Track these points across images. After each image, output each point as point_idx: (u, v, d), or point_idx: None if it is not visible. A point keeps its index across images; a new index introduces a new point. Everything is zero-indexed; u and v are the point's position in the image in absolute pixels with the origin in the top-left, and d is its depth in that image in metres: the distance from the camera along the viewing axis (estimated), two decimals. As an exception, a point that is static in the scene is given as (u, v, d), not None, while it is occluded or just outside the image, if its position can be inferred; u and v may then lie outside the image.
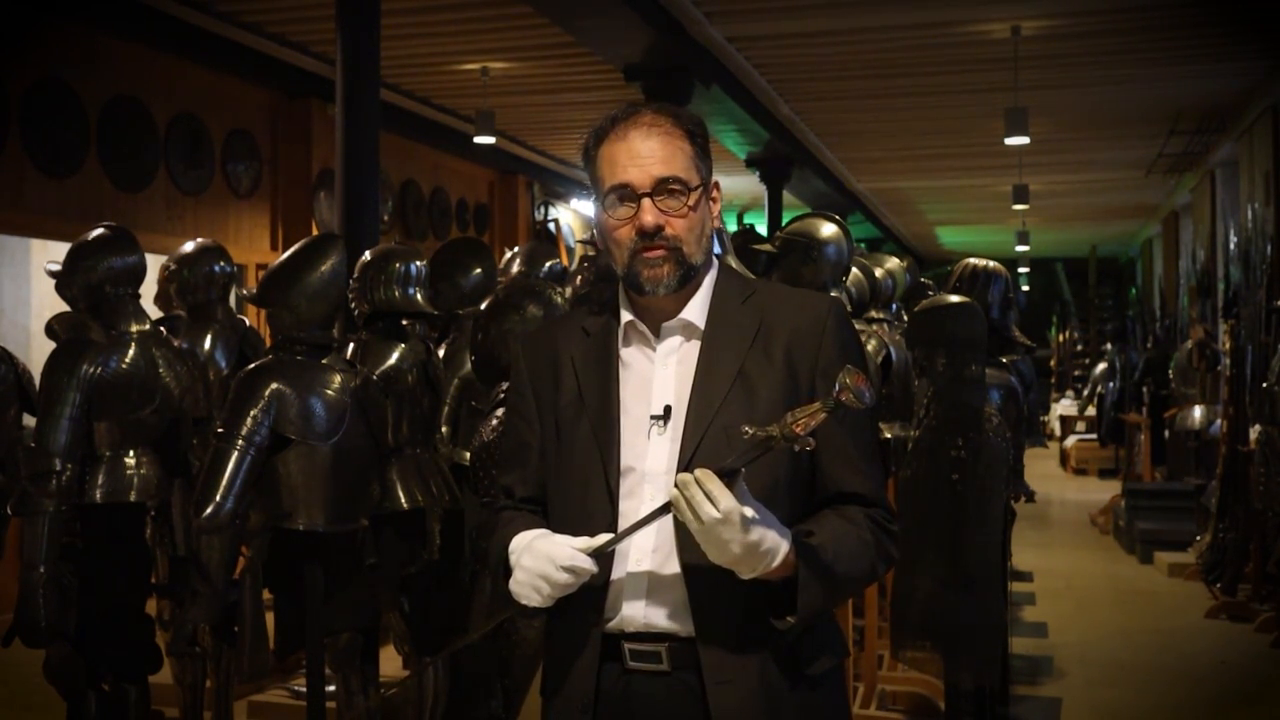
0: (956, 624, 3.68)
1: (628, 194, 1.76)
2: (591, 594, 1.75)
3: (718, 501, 1.58)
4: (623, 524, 1.76)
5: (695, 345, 1.81)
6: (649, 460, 1.77)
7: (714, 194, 1.85)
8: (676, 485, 1.61)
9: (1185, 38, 8.21)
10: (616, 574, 1.76)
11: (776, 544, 1.64)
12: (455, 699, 3.93)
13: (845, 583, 1.74)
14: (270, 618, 3.59)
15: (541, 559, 1.71)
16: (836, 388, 1.56)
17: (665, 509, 1.66)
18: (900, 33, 8.03)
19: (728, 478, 1.59)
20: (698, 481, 1.58)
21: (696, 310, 1.82)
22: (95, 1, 6.88)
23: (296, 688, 4.68)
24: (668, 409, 1.78)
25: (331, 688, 3.63)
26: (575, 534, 1.80)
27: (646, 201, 1.75)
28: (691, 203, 1.78)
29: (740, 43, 8.32)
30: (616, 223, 1.78)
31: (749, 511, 1.61)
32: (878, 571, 1.80)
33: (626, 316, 1.84)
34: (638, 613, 1.74)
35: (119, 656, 3.67)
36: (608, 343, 1.85)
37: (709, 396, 1.77)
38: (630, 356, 1.84)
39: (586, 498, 1.80)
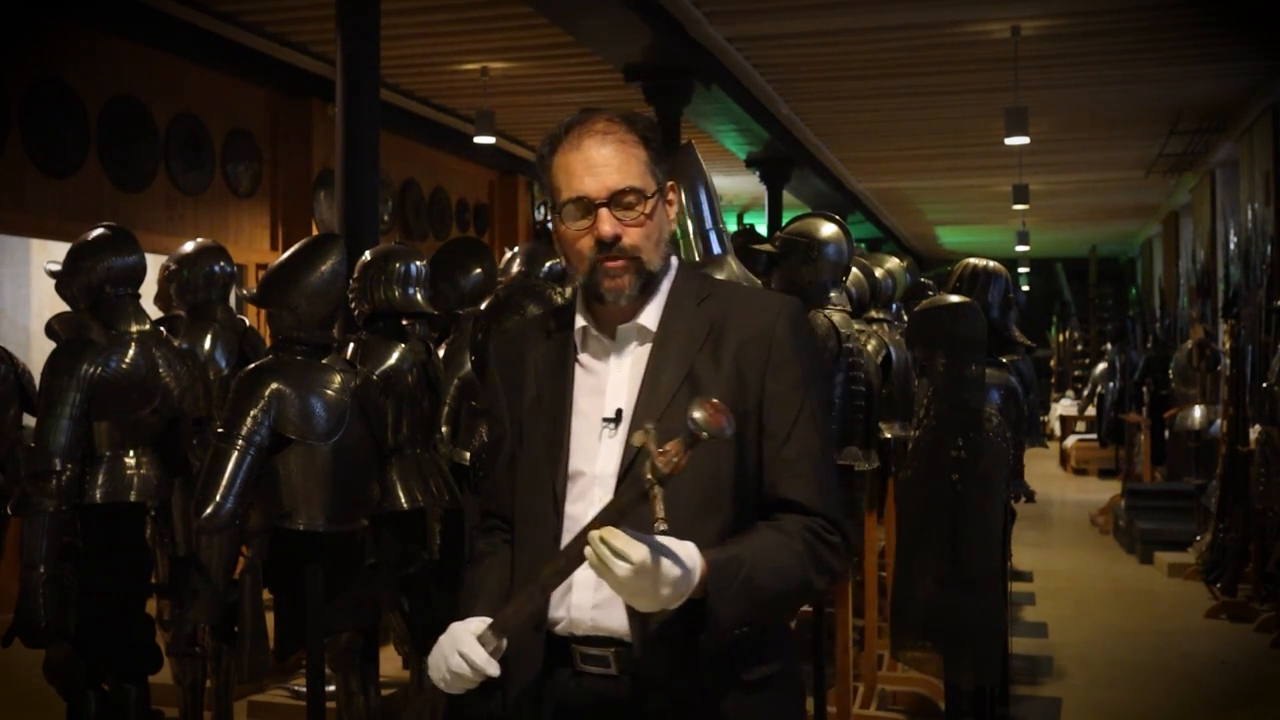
0: (956, 624, 3.68)
1: (585, 204, 1.76)
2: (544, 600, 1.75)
3: (629, 556, 1.55)
4: (568, 526, 1.76)
5: (649, 348, 1.81)
6: (599, 463, 1.77)
7: (670, 196, 1.83)
8: (589, 543, 1.59)
9: (1185, 38, 8.21)
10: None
11: (691, 570, 1.61)
12: (455, 699, 3.92)
13: (767, 596, 1.69)
14: (270, 618, 3.60)
15: (448, 643, 1.74)
16: (689, 422, 1.53)
17: (579, 561, 1.64)
18: (900, 33, 8.03)
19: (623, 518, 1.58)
20: (604, 540, 1.56)
21: (651, 314, 1.82)
22: (95, 1, 6.88)
23: (296, 688, 4.68)
24: (618, 412, 1.78)
25: (331, 688, 3.63)
26: (528, 538, 1.82)
27: (604, 212, 1.75)
28: (648, 210, 1.77)
29: (740, 43, 8.32)
30: (575, 234, 1.78)
31: (659, 552, 1.58)
32: (812, 583, 1.75)
33: (580, 322, 1.84)
34: (585, 615, 1.75)
35: (119, 656, 3.67)
36: (565, 346, 1.86)
37: (655, 399, 1.76)
38: (587, 360, 1.84)
39: (536, 504, 1.81)
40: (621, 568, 1.55)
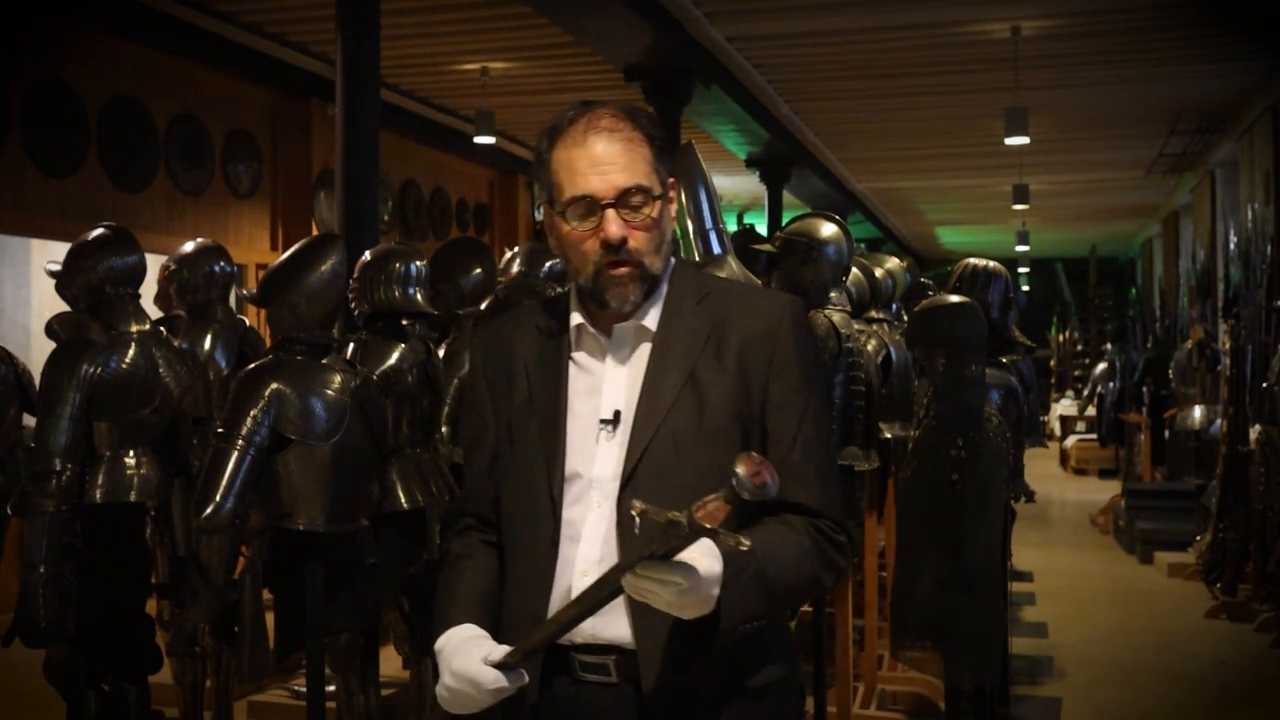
0: (956, 624, 3.68)
1: (590, 204, 1.70)
2: (539, 606, 1.71)
3: (675, 580, 1.51)
4: (565, 531, 1.72)
5: (647, 348, 1.76)
6: (596, 466, 1.72)
7: (670, 195, 1.78)
8: (629, 586, 1.54)
9: (1185, 38, 8.22)
10: (562, 584, 1.71)
11: (717, 566, 1.58)
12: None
13: (779, 589, 1.66)
14: (270, 618, 3.60)
15: (465, 682, 1.65)
16: (731, 479, 1.45)
17: (612, 592, 1.58)
18: (900, 33, 8.03)
19: (662, 558, 1.53)
20: (646, 575, 1.51)
21: (651, 314, 1.77)
22: (95, 1, 6.88)
23: (296, 688, 4.68)
24: (617, 414, 1.73)
25: (331, 688, 3.63)
26: (522, 541, 1.76)
27: (611, 213, 1.69)
28: (655, 213, 1.72)
29: (740, 43, 8.32)
30: (580, 235, 1.72)
31: (699, 570, 1.55)
32: (822, 581, 1.73)
33: (576, 319, 1.79)
34: (584, 623, 1.68)
35: (119, 656, 3.67)
36: (559, 344, 1.80)
37: (657, 402, 1.72)
38: (582, 359, 1.79)
39: (531, 506, 1.75)
40: (672, 591, 1.52)
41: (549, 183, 1.75)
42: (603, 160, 1.70)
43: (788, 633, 1.87)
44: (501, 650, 1.65)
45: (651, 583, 1.51)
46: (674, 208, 1.81)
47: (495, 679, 1.62)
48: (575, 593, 1.68)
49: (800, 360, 1.76)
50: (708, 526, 1.46)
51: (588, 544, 1.71)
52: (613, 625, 1.69)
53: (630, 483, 1.69)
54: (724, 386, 1.73)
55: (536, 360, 1.81)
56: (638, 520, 1.49)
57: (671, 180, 1.79)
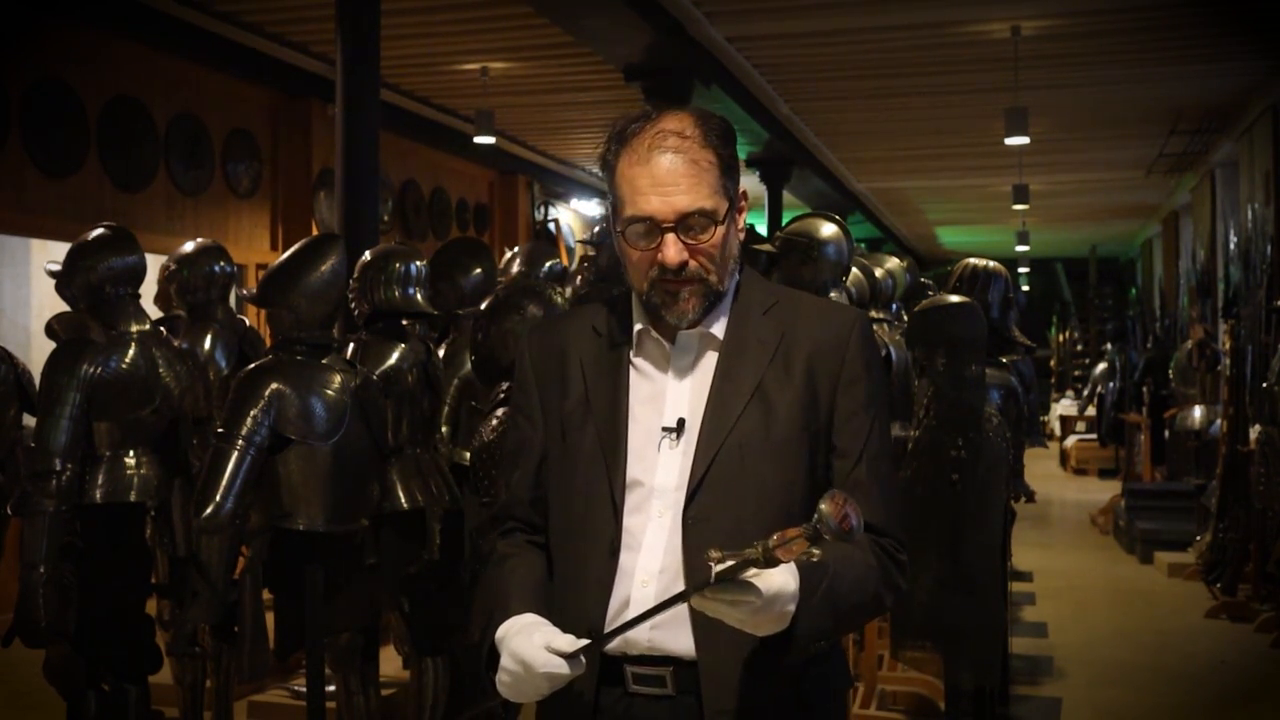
0: (956, 624, 3.68)
1: (650, 226, 1.65)
2: (597, 615, 1.68)
3: (749, 600, 1.48)
4: (624, 540, 1.69)
5: (713, 356, 1.72)
6: (659, 475, 1.69)
7: (741, 204, 1.73)
8: (696, 603, 1.52)
9: (1185, 38, 8.21)
10: (621, 593, 1.68)
11: (790, 588, 1.54)
12: (455, 699, 3.93)
13: (845, 606, 1.63)
14: (270, 618, 3.60)
15: (522, 665, 1.61)
16: (815, 517, 1.44)
17: (676, 600, 1.55)
18: (900, 33, 8.03)
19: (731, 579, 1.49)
20: (717, 597, 1.49)
21: (717, 321, 1.73)
22: (95, 1, 6.88)
23: (296, 688, 4.68)
24: (681, 422, 1.69)
25: (331, 688, 3.63)
26: (578, 547, 1.73)
27: (670, 237, 1.64)
28: (717, 239, 1.67)
29: (740, 43, 8.32)
30: (638, 254, 1.67)
31: (772, 586, 1.51)
32: (883, 601, 1.71)
33: (639, 324, 1.74)
34: (642, 635, 1.64)
35: (119, 656, 3.67)
36: (619, 347, 1.75)
37: (725, 411, 1.68)
38: (643, 364, 1.74)
39: (589, 511, 1.71)
40: (745, 610, 1.49)
41: (612, 193, 1.71)
42: (665, 181, 1.64)
43: (842, 653, 1.84)
44: (563, 638, 1.61)
45: (723, 604, 1.49)
46: (743, 216, 1.76)
47: (548, 662, 1.58)
48: (634, 603, 1.66)
49: (868, 375, 1.74)
50: (782, 560, 1.45)
51: (648, 554, 1.68)
52: (673, 638, 1.66)
53: (696, 494, 1.66)
54: (792, 398, 1.70)
55: (594, 362, 1.77)
56: (714, 569, 1.46)
57: (744, 190, 1.74)
